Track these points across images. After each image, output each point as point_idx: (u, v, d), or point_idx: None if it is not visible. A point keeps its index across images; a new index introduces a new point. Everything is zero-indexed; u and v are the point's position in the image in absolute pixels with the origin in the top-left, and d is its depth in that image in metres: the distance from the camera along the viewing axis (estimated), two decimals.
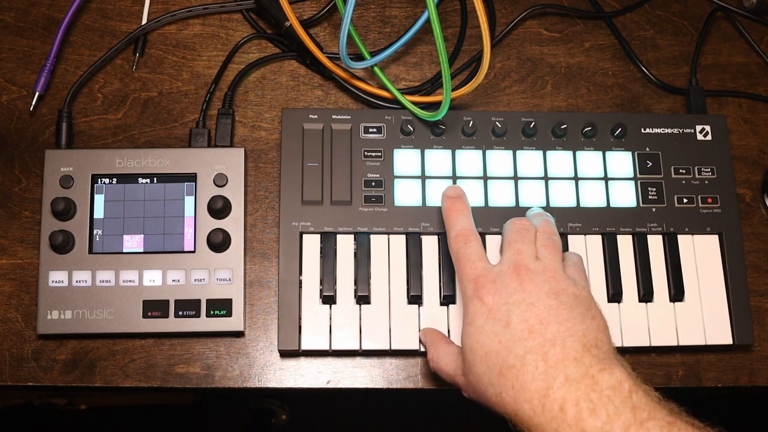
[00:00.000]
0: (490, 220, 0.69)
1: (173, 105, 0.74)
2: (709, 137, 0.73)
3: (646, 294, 0.68)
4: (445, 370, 0.61)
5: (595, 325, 0.55)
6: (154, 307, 0.66)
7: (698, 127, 0.73)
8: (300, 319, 0.66)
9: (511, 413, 0.53)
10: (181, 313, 0.66)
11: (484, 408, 0.57)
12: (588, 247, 0.69)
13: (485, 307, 0.56)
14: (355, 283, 0.67)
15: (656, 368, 0.69)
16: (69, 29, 0.75)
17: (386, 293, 0.67)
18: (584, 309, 0.55)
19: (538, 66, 0.78)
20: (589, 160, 0.71)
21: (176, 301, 0.66)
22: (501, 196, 0.70)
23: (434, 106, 0.71)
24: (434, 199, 0.69)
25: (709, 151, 0.73)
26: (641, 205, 0.71)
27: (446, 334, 0.66)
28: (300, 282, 0.67)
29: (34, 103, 0.72)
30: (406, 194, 0.69)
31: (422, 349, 0.66)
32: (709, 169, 0.72)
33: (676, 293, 0.68)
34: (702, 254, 0.70)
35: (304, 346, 0.66)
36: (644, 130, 0.73)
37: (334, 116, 0.71)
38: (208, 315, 0.66)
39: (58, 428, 1.32)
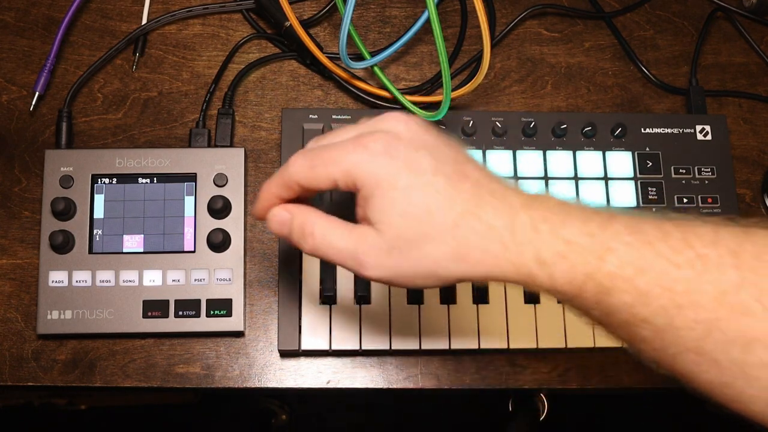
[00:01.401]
0: None
1: (173, 105, 0.74)
2: (709, 137, 0.73)
3: None
4: (339, 245, 0.49)
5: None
6: (154, 307, 0.66)
7: (698, 127, 0.73)
8: (300, 319, 0.66)
9: (477, 263, 0.46)
10: (181, 313, 0.66)
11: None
12: None
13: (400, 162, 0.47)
14: (355, 283, 0.67)
15: None
16: (69, 29, 0.75)
17: (386, 293, 0.67)
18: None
19: (538, 66, 0.78)
20: (589, 160, 0.71)
21: (176, 301, 0.66)
22: None
23: (434, 106, 0.71)
24: None
25: (709, 151, 0.73)
26: (641, 205, 0.71)
27: (447, 334, 0.66)
28: (300, 282, 0.67)
29: (34, 103, 0.72)
30: None
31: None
32: (709, 169, 0.72)
33: None
34: None
35: (304, 346, 0.66)
36: (644, 130, 0.73)
37: (334, 116, 0.71)
38: (208, 315, 0.66)
39: (58, 428, 1.32)
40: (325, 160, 0.48)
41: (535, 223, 0.45)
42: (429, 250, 0.46)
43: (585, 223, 0.45)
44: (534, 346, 0.67)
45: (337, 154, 0.48)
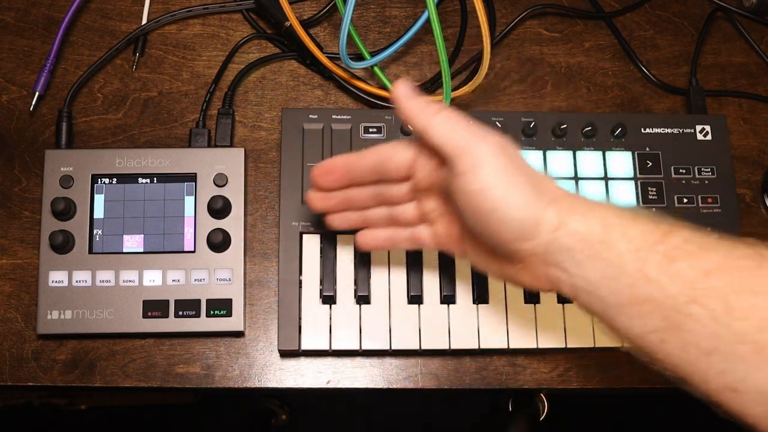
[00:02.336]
0: None
1: (173, 105, 0.74)
2: (709, 137, 0.73)
3: None
4: (452, 134, 0.51)
5: None
6: (154, 307, 0.66)
7: (698, 127, 0.73)
8: (300, 319, 0.66)
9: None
10: (181, 313, 0.66)
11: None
12: None
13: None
14: (355, 283, 0.67)
15: None
16: (69, 29, 0.75)
17: (386, 293, 0.67)
18: None
19: (538, 66, 0.78)
20: (589, 160, 0.71)
21: (176, 301, 0.66)
22: None
23: None
24: None
25: (709, 151, 0.73)
26: (641, 204, 0.71)
27: (447, 334, 0.66)
28: (300, 282, 0.67)
29: (34, 103, 0.72)
30: None
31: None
32: (709, 169, 0.72)
33: None
34: None
35: (304, 346, 0.66)
36: (644, 130, 0.73)
37: (334, 116, 0.71)
38: (208, 315, 0.66)
39: (58, 428, 1.32)
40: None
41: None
42: (519, 175, 0.50)
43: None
44: (534, 346, 0.67)
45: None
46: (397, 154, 0.56)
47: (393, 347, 0.66)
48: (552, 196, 0.50)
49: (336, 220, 0.61)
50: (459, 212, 0.53)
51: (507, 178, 0.50)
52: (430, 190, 0.56)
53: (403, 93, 0.53)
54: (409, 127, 0.52)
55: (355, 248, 0.68)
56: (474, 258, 0.57)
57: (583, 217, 0.49)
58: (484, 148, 0.50)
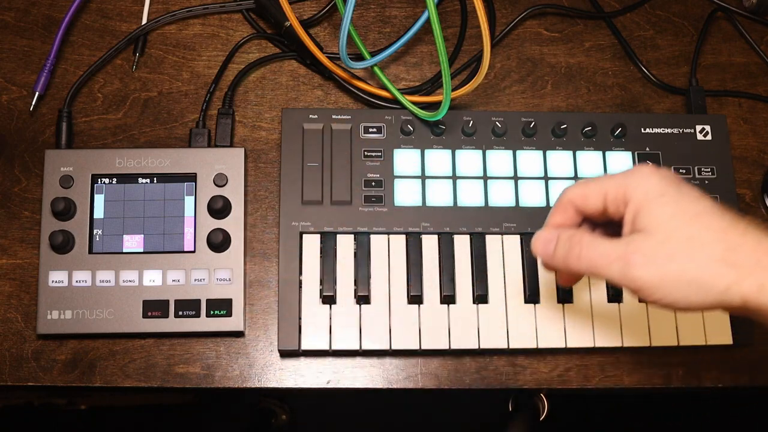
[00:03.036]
0: (490, 220, 0.69)
1: (173, 105, 0.74)
2: (709, 137, 0.73)
3: None
4: (607, 249, 0.50)
5: None
6: (154, 307, 0.66)
7: (698, 127, 0.73)
8: (300, 319, 0.66)
9: (749, 269, 0.47)
10: (181, 313, 0.66)
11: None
12: None
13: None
14: (355, 283, 0.67)
15: (656, 368, 0.69)
16: (69, 29, 0.75)
17: (386, 293, 0.67)
18: None
19: (538, 66, 0.78)
20: (590, 160, 0.71)
21: (176, 301, 0.66)
22: (501, 196, 0.70)
23: (434, 106, 0.71)
24: (434, 199, 0.69)
25: (709, 151, 0.73)
26: None
27: (447, 334, 0.66)
28: (300, 282, 0.67)
29: (34, 103, 0.72)
30: (406, 194, 0.69)
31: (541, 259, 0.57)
32: (709, 169, 0.72)
33: None
34: None
35: (304, 346, 0.66)
36: (644, 130, 0.73)
37: (334, 116, 0.71)
38: (208, 315, 0.66)
39: (58, 428, 1.32)
40: (597, 179, 0.54)
41: None
42: (698, 250, 0.47)
43: None
44: (534, 346, 0.67)
45: (608, 175, 0.54)
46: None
47: (393, 347, 0.66)
48: (751, 259, 0.47)
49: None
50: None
51: (679, 267, 0.47)
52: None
53: (540, 251, 0.55)
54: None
55: (355, 248, 0.68)
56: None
57: None
58: (637, 262, 0.48)
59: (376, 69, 0.73)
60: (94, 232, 0.67)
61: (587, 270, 0.52)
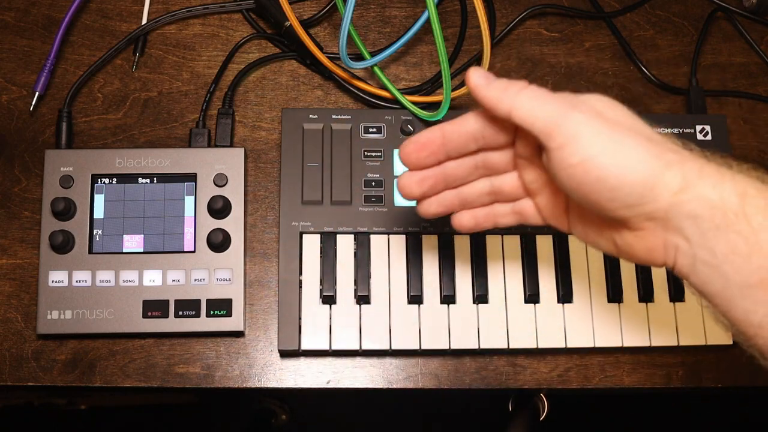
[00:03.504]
0: None
1: (173, 105, 0.74)
2: (709, 137, 0.73)
3: (646, 294, 0.68)
4: (548, 101, 0.48)
5: None
6: (154, 307, 0.66)
7: (698, 127, 0.73)
8: (300, 319, 0.66)
9: (669, 161, 0.46)
10: (181, 313, 0.66)
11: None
12: (588, 247, 0.69)
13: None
14: (355, 283, 0.67)
15: (656, 368, 0.69)
16: (69, 29, 0.75)
17: (386, 293, 0.67)
18: None
19: (538, 66, 0.78)
20: None
21: (176, 301, 0.66)
22: None
23: (434, 106, 0.71)
24: None
25: (709, 151, 0.72)
26: None
27: (447, 334, 0.66)
28: (300, 282, 0.67)
29: (34, 103, 0.72)
30: None
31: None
32: None
33: (677, 293, 0.68)
34: None
35: (304, 346, 0.66)
36: None
37: (334, 116, 0.71)
38: (208, 315, 0.66)
39: (58, 428, 1.32)
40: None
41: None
42: (628, 137, 0.46)
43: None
44: (534, 346, 0.67)
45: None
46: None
47: (393, 347, 0.66)
48: (674, 156, 0.45)
49: (432, 205, 0.55)
50: (562, 188, 0.48)
51: (612, 142, 0.45)
52: (530, 159, 0.52)
53: (478, 81, 0.49)
54: (494, 112, 0.48)
55: (355, 248, 0.68)
56: (581, 232, 0.52)
57: (714, 182, 0.44)
58: (578, 117, 0.46)
59: (376, 69, 0.73)
60: (94, 232, 0.67)
61: (520, 107, 0.48)
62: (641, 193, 0.45)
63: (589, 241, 0.53)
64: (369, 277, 0.67)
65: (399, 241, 0.68)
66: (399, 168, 0.70)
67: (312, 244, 0.68)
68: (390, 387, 0.67)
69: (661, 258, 0.48)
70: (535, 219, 0.54)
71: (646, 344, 0.67)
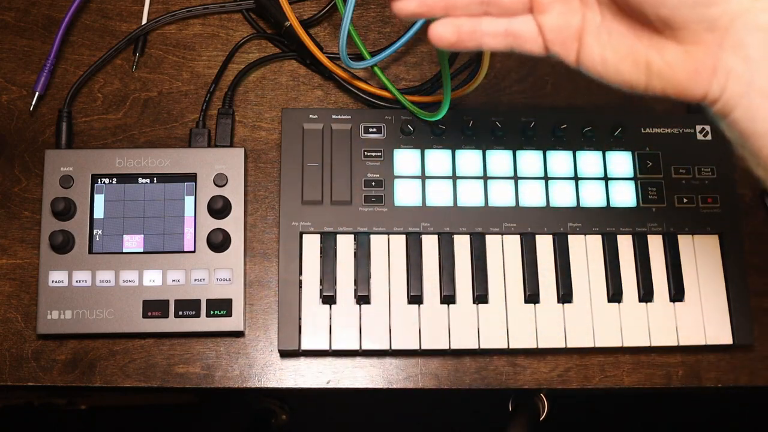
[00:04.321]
0: (490, 220, 0.69)
1: (173, 105, 0.74)
2: (709, 137, 0.73)
3: (646, 294, 0.68)
4: None
5: None
6: (154, 307, 0.66)
7: (698, 127, 0.73)
8: (300, 319, 0.66)
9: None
10: (181, 313, 0.66)
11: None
12: (588, 247, 0.69)
13: None
14: (355, 283, 0.67)
15: (656, 368, 0.69)
16: (69, 29, 0.75)
17: (386, 293, 0.67)
18: None
19: (538, 66, 0.78)
20: (589, 160, 0.71)
21: (176, 301, 0.66)
22: (501, 196, 0.70)
23: (434, 106, 0.71)
24: (434, 199, 0.69)
25: (709, 151, 0.73)
26: (641, 205, 0.71)
27: (447, 334, 0.66)
28: (300, 282, 0.67)
29: (34, 103, 0.72)
30: (406, 194, 0.69)
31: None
32: (709, 169, 0.72)
33: (677, 293, 0.68)
34: (702, 254, 0.70)
35: (304, 346, 0.66)
36: (644, 130, 0.73)
37: (334, 116, 0.71)
38: (208, 315, 0.66)
39: (58, 428, 1.32)
40: None
41: None
42: None
43: None
44: (534, 346, 0.67)
45: None
46: None
47: (393, 347, 0.66)
48: None
49: (412, 1, 0.46)
50: None
51: None
52: None
53: None
54: None
55: (355, 248, 0.68)
56: (598, 56, 0.44)
57: None
58: None
59: (376, 69, 0.73)
60: (94, 232, 0.67)
61: None
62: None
63: (607, 69, 0.44)
64: (369, 277, 0.67)
65: (399, 241, 0.68)
66: (399, 168, 0.70)
67: (312, 244, 0.68)
68: (390, 387, 0.67)
69: (704, 85, 0.40)
70: (533, 44, 0.46)
71: (646, 344, 0.67)
